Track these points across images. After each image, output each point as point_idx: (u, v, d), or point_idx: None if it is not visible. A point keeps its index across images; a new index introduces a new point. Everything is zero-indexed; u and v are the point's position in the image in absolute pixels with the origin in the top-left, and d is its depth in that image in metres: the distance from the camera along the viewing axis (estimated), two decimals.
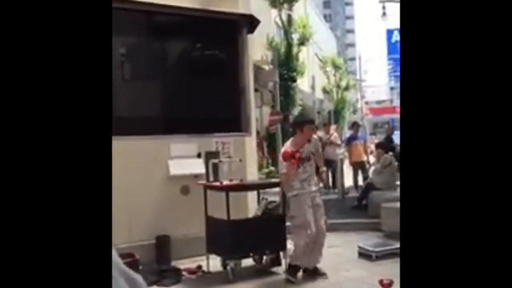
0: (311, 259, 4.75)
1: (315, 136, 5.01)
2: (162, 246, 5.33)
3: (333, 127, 13.11)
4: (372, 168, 9.57)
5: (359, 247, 5.58)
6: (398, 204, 6.75)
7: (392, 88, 47.28)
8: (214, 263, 5.06)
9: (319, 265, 4.78)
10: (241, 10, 6.23)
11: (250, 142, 6.44)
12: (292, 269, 4.73)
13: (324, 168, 5.33)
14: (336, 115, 32.29)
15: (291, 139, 4.88)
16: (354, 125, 12.22)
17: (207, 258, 5.08)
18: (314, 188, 4.80)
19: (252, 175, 6.26)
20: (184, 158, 5.65)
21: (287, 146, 4.73)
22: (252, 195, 5.78)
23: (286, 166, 4.62)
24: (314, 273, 4.72)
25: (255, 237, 4.90)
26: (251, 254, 5.09)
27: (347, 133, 12.19)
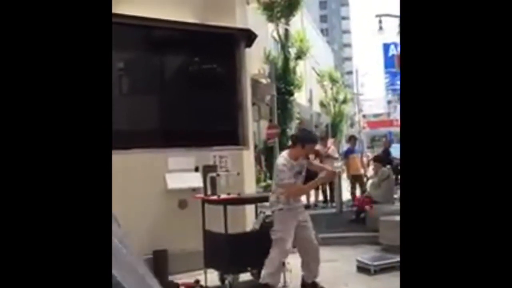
0: (309, 273, 4.70)
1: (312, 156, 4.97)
2: (160, 261, 5.29)
3: (330, 141, 13.13)
4: (369, 182, 9.56)
5: (358, 261, 5.55)
6: (396, 218, 6.73)
7: (389, 102, 47.44)
8: (212, 277, 5.02)
9: (317, 280, 4.75)
10: (238, 24, 6.28)
11: (248, 156, 6.44)
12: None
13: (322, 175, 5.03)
14: (334, 128, 32.36)
15: (289, 149, 4.80)
16: (351, 139, 12.24)
17: (205, 273, 5.04)
18: (300, 204, 4.74)
19: (250, 188, 6.25)
20: (181, 171, 5.64)
21: (283, 157, 4.65)
22: (250, 209, 5.76)
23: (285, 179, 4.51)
24: None
25: (253, 251, 4.87)
26: (249, 268, 5.05)
27: (345, 146, 12.24)
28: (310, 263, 4.66)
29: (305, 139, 4.71)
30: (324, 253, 5.37)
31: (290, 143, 5.09)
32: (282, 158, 4.63)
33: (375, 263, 5.34)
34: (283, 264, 4.54)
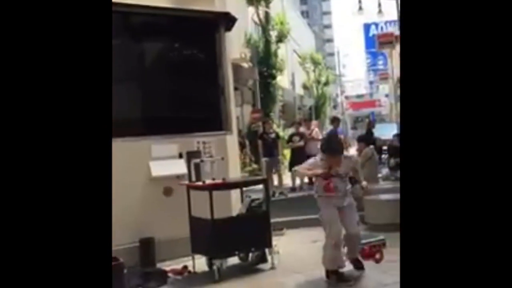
0: (348, 252, 4.63)
1: (345, 156, 4.77)
2: (146, 248, 5.28)
3: (314, 123, 13.18)
4: None
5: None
6: (381, 197, 6.80)
7: (371, 82, 47.68)
8: (200, 263, 5.04)
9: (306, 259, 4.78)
10: (217, 8, 6.20)
11: (232, 141, 6.42)
12: (328, 274, 4.49)
13: (364, 183, 5.05)
14: (317, 110, 32.46)
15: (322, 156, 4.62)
16: (335, 120, 12.30)
17: (193, 259, 5.05)
18: (338, 193, 4.54)
19: (235, 173, 6.24)
20: (165, 159, 5.60)
21: (316, 159, 4.64)
22: (235, 194, 5.77)
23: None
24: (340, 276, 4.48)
25: (240, 235, 4.89)
26: (236, 252, 5.07)
27: (328, 128, 12.29)
28: (351, 242, 4.59)
29: (325, 149, 4.56)
30: (310, 233, 5.43)
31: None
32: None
33: (362, 242, 5.40)
34: (338, 246, 4.40)
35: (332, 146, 4.60)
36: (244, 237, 4.92)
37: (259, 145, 11.08)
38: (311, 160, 4.74)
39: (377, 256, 4.78)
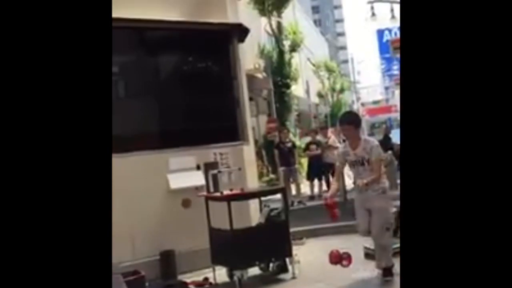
0: (377, 260, 4.65)
1: (365, 139, 4.69)
2: (167, 261, 5.30)
3: (330, 130, 13.12)
4: None
5: (365, 248, 5.55)
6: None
7: (386, 88, 47.36)
8: (221, 274, 5.03)
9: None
10: (230, 20, 6.25)
11: (248, 151, 6.43)
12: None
13: (363, 181, 4.56)
14: (333, 118, 32.33)
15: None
16: None
17: (213, 270, 5.05)
18: (370, 192, 4.53)
19: (253, 183, 6.25)
20: (183, 171, 5.64)
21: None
22: (254, 204, 5.77)
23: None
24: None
25: (260, 245, 4.88)
26: (257, 263, 5.06)
27: None
28: (378, 250, 4.62)
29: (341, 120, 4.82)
30: (330, 242, 5.40)
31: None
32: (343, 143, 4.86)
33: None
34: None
35: (349, 116, 4.88)
36: (264, 247, 4.90)
37: (276, 154, 11.07)
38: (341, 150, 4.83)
39: None
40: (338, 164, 4.88)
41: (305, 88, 26.28)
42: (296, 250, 5.29)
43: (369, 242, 5.76)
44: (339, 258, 4.75)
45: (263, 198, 5.70)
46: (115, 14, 5.53)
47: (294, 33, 18.48)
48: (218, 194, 5.05)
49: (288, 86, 17.50)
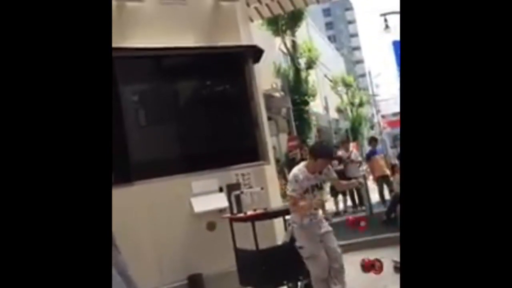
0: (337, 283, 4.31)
1: (329, 167, 4.46)
2: (195, 285, 5.31)
3: (352, 145, 13.05)
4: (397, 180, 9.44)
5: (394, 262, 5.46)
6: None
7: None
8: None
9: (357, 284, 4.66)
10: (244, 42, 6.35)
11: (270, 170, 6.45)
12: None
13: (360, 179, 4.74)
14: (354, 132, 32.16)
15: (306, 161, 4.51)
16: (372, 140, 12.15)
17: None
18: (318, 219, 4.39)
19: (276, 202, 6.24)
20: (206, 194, 5.68)
21: (298, 167, 4.37)
22: (278, 223, 5.75)
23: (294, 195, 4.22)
24: None
25: (286, 264, 4.84)
26: (285, 282, 5.02)
27: (368, 149, 12.15)
28: (335, 273, 4.32)
29: (316, 151, 4.35)
30: (357, 258, 5.32)
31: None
32: (297, 168, 4.35)
33: None
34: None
35: (325, 148, 4.54)
36: (291, 266, 4.86)
37: None
38: (289, 180, 4.35)
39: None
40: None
41: (324, 104, 26.25)
42: None
43: (397, 255, 5.67)
44: (371, 265, 4.63)
45: (287, 217, 5.68)
46: (132, 44, 5.71)
47: (309, 50, 18.58)
48: (242, 215, 5.05)
49: (306, 103, 17.54)
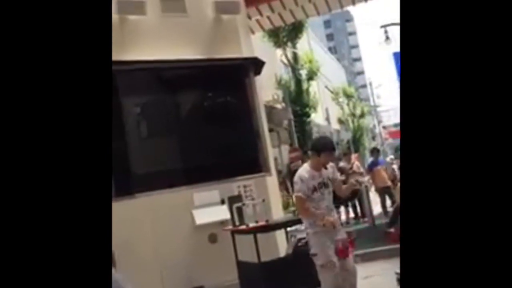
0: None
1: (332, 164, 4.43)
2: None
3: (354, 156, 13.03)
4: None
5: (397, 274, 5.42)
6: None
7: None
8: None
9: None
10: (245, 54, 6.38)
11: (272, 182, 6.44)
12: None
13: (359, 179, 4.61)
14: (356, 143, 32.14)
15: (309, 161, 4.44)
16: (374, 151, 12.14)
17: None
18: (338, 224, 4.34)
19: (278, 214, 6.22)
20: (208, 206, 5.66)
21: (303, 166, 4.31)
22: (280, 235, 5.73)
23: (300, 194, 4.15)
24: None
25: (289, 276, 4.82)
26: None
27: (370, 160, 12.12)
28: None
29: (318, 146, 4.29)
30: (362, 269, 5.29)
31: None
32: (301, 169, 4.27)
33: None
34: (344, 281, 4.09)
35: (326, 141, 4.47)
36: (293, 277, 4.84)
37: None
38: (295, 181, 4.24)
39: None
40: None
41: (325, 115, 26.29)
42: None
43: (398, 267, 5.64)
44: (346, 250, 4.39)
45: (289, 229, 5.66)
46: (135, 56, 5.75)
47: (310, 61, 18.65)
48: (243, 227, 5.04)
49: (307, 115, 17.56)
